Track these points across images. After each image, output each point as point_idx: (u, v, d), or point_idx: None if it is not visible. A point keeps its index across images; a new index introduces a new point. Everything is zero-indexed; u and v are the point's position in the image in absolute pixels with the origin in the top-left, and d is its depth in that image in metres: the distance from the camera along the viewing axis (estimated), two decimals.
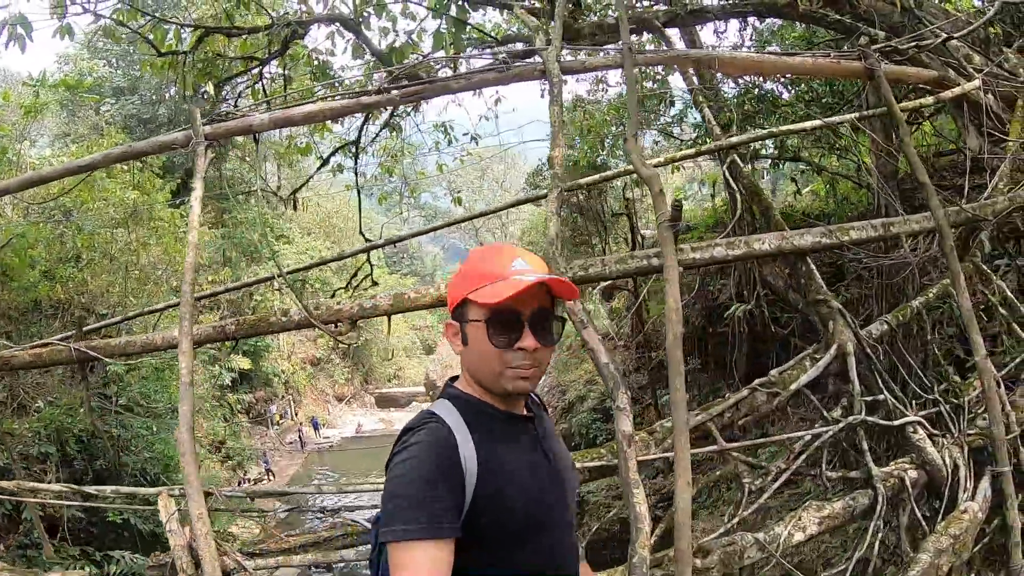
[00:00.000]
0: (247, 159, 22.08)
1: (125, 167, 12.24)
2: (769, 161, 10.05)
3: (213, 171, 22.32)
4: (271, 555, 3.68)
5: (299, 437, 25.14)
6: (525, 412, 1.43)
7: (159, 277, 12.53)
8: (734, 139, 4.92)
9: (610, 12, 7.64)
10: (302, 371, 28.29)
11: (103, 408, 9.57)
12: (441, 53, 6.00)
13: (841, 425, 3.44)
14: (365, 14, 7.55)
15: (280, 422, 25.19)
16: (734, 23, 9.42)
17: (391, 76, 4.05)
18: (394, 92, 4.09)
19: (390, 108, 7.75)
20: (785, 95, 9.19)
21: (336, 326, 4.13)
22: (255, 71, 8.60)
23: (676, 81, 10.24)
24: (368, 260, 10.04)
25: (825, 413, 3.57)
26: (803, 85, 8.47)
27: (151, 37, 7.09)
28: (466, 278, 1.36)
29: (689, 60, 4.29)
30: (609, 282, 12.24)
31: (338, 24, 7.66)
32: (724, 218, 10.10)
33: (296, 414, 26.56)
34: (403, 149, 11.29)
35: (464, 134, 10.69)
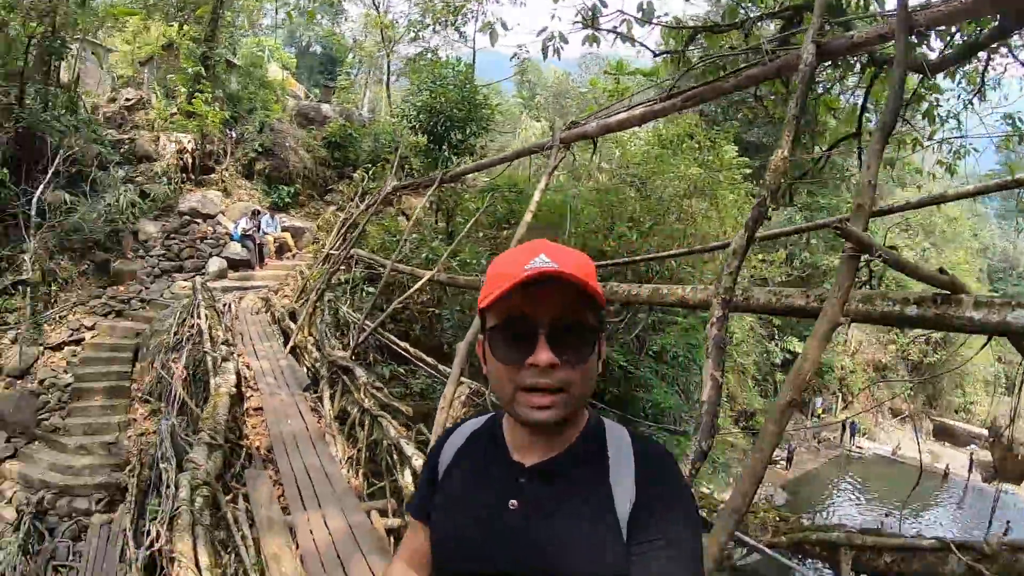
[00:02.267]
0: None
1: (696, 144, 13.77)
2: None
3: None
4: None
5: (849, 432, 23.80)
6: (541, 465, 1.13)
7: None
8: None
9: None
10: (863, 372, 25.97)
11: (637, 350, 11.91)
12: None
13: None
14: None
15: (821, 416, 24.19)
16: None
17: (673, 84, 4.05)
18: (677, 99, 4.19)
19: None
20: None
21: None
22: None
23: None
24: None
25: None
26: None
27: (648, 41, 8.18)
28: (486, 282, 1.12)
29: (998, 5, 2.65)
30: None
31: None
32: None
33: (838, 413, 24.94)
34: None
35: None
